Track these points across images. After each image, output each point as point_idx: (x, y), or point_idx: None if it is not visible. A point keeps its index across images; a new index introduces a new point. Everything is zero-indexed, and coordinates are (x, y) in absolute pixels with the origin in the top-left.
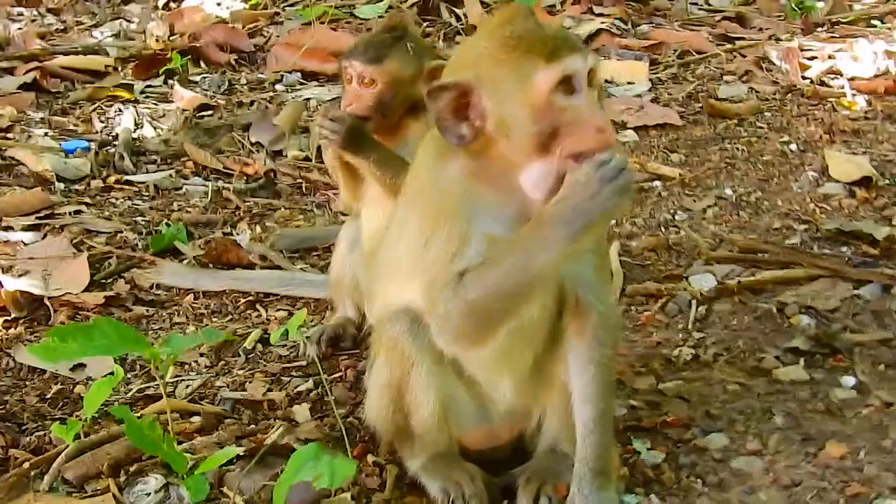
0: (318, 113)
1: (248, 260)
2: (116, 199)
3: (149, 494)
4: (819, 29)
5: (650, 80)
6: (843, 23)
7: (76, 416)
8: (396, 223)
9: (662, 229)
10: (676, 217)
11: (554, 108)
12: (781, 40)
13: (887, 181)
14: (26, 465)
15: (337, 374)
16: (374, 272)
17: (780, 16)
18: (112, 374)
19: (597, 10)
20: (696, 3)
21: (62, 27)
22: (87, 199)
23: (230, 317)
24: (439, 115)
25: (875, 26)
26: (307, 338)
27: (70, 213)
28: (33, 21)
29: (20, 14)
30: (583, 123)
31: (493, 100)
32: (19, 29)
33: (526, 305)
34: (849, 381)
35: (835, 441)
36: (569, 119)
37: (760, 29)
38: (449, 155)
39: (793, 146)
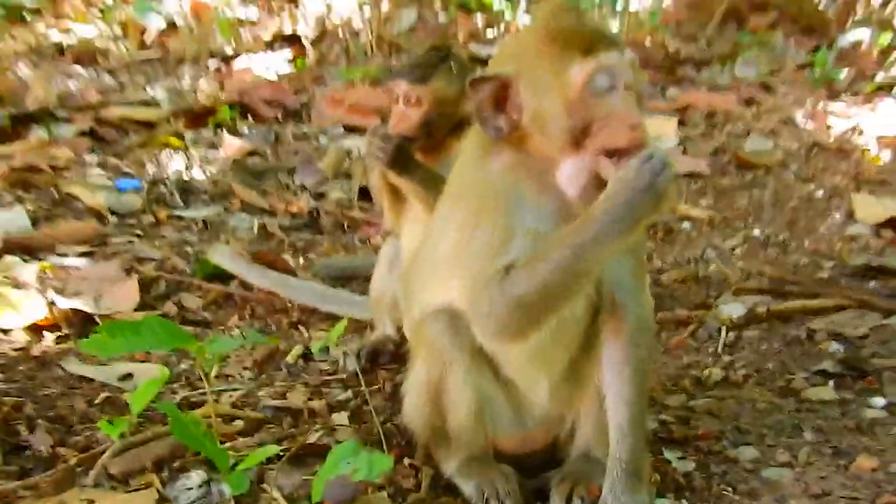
0: (367, 133)
1: (295, 274)
2: (166, 231)
3: (191, 489)
4: (843, 95)
5: (678, 137)
6: (866, 92)
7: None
8: (438, 221)
9: (692, 264)
10: (706, 254)
11: (588, 102)
12: (805, 105)
13: None
14: (73, 460)
15: (375, 387)
16: (413, 273)
17: (803, 84)
18: None
19: None
20: (721, 73)
21: (117, 85)
22: (139, 231)
23: (273, 336)
24: (479, 107)
25: None
26: (347, 352)
27: (121, 243)
28: (91, 80)
29: (78, 72)
30: (616, 119)
31: (530, 92)
32: (76, 86)
33: (573, 301)
34: (879, 401)
35: (866, 455)
36: (602, 114)
37: (785, 94)
38: (491, 150)
39: (819, 193)
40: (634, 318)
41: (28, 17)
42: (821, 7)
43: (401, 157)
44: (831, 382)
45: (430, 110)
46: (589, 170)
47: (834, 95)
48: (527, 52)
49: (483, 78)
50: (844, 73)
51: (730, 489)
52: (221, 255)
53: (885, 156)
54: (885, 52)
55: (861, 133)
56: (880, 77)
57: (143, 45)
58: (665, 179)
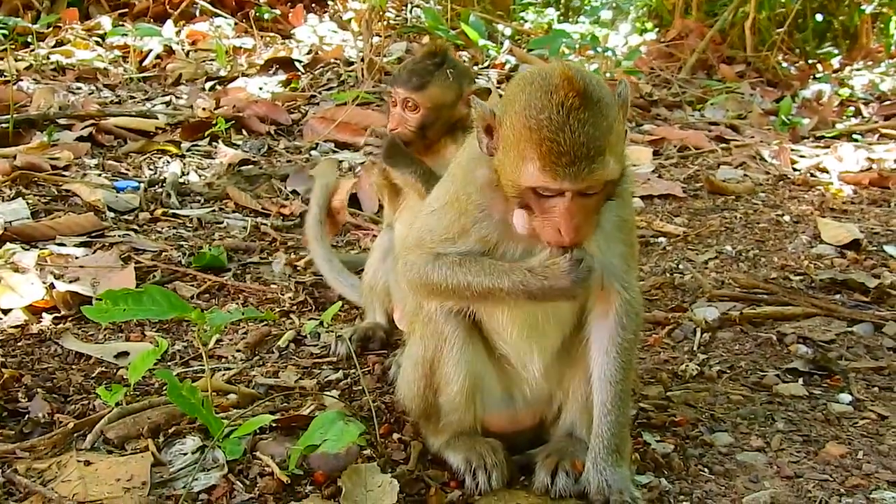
0: (365, 134)
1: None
2: (162, 228)
3: (185, 454)
4: (805, 140)
5: (654, 164)
6: (827, 137)
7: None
8: (427, 201)
9: (668, 274)
10: (680, 266)
11: (531, 195)
12: (771, 144)
13: (874, 247)
14: (70, 425)
15: (365, 369)
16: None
17: (769, 128)
18: None
19: None
20: (692, 115)
21: (117, 100)
22: (136, 227)
23: (265, 323)
24: (476, 121)
25: (856, 140)
26: (339, 336)
27: (119, 236)
28: (91, 94)
29: (79, 88)
30: (552, 218)
31: (500, 145)
32: (77, 99)
33: (462, 305)
34: (845, 398)
35: (834, 443)
36: (543, 207)
37: (752, 136)
38: (481, 161)
39: (786, 218)
40: (622, 300)
41: (31, 41)
42: (784, 64)
43: (394, 152)
44: (801, 380)
45: (426, 114)
46: (530, 228)
47: (797, 140)
48: (514, 110)
49: (481, 105)
50: (807, 121)
51: (706, 470)
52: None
53: (847, 190)
54: (843, 104)
55: (824, 170)
56: (841, 126)
57: (142, 69)
58: (582, 284)
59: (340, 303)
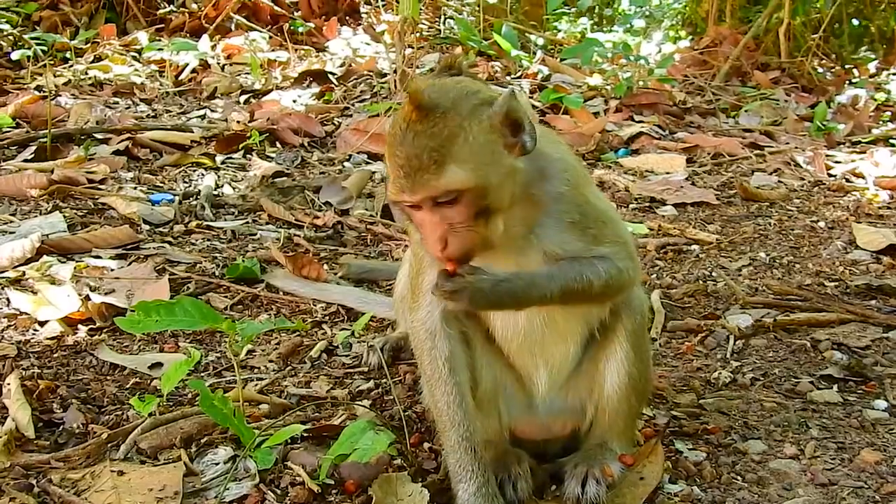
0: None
1: (325, 276)
2: (196, 239)
3: (217, 464)
4: (840, 146)
5: (687, 172)
6: (863, 142)
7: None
8: None
9: (701, 281)
10: (714, 273)
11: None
12: (807, 150)
13: None
14: (104, 435)
15: (396, 379)
16: None
17: (804, 134)
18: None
19: (637, 117)
20: (726, 122)
21: (153, 114)
22: (170, 239)
23: (297, 333)
24: None
25: (893, 145)
26: (370, 347)
27: (154, 248)
28: (127, 108)
29: (116, 102)
30: (422, 231)
31: None
32: (114, 113)
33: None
34: (881, 404)
35: (869, 450)
36: (416, 224)
37: (787, 143)
38: None
39: (821, 224)
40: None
41: (69, 57)
42: (819, 70)
43: None
44: (835, 386)
45: None
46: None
47: (832, 145)
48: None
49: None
50: (842, 126)
51: (739, 478)
52: (280, 280)
53: (884, 195)
54: (880, 109)
55: (860, 176)
56: (877, 131)
57: (177, 83)
58: (473, 303)
59: (371, 313)
